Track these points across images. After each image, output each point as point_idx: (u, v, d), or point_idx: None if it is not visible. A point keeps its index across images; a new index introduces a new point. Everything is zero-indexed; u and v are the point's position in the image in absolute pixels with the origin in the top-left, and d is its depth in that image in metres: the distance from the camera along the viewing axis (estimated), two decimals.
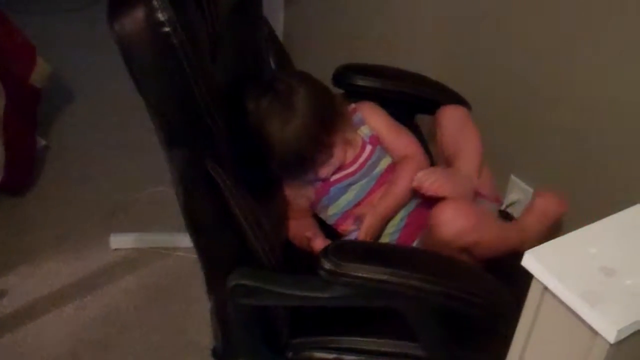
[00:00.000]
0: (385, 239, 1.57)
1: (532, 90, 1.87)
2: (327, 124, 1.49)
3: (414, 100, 1.79)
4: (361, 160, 1.59)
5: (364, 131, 1.62)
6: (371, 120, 1.64)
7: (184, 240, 2.23)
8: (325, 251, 1.20)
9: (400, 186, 1.54)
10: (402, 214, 1.56)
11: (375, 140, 1.62)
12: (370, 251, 1.28)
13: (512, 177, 2.00)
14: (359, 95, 1.74)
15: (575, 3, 1.69)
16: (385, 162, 1.61)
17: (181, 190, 1.27)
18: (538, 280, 0.93)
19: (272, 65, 1.73)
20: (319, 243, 1.50)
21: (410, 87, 1.79)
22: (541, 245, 0.95)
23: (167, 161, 1.27)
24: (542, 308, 0.96)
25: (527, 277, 0.95)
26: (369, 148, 1.60)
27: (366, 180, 1.58)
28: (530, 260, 0.93)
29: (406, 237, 1.56)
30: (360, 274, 1.17)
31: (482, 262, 1.44)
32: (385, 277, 1.18)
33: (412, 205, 1.57)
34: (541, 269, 0.92)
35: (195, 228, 1.31)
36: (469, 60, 2.07)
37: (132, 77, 1.15)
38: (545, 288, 0.93)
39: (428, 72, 1.83)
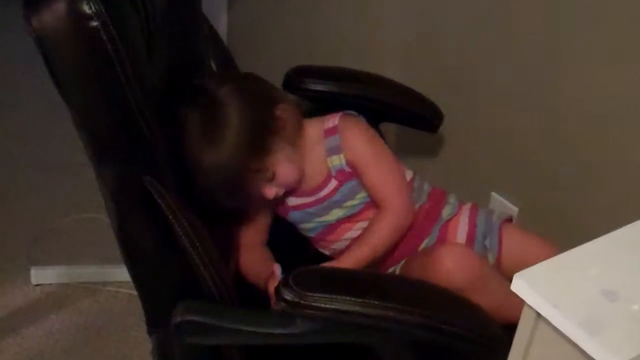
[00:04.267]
0: None
1: (515, 98, 1.86)
2: (258, 148, 1.46)
3: (377, 107, 1.78)
4: (321, 195, 1.57)
5: (334, 162, 1.56)
6: (351, 150, 1.57)
7: (117, 273, 2.21)
8: (286, 279, 1.18)
9: (378, 241, 1.52)
10: None
11: (345, 177, 1.57)
12: (338, 279, 1.27)
13: (494, 194, 1.99)
14: (313, 101, 1.74)
15: (565, 7, 1.69)
16: (351, 204, 1.58)
17: (114, 211, 1.25)
18: (530, 307, 0.92)
19: (214, 67, 1.71)
20: (271, 285, 1.46)
21: (373, 92, 1.79)
22: (533, 267, 0.93)
23: (97, 178, 1.24)
24: (536, 338, 0.94)
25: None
26: (333, 183, 1.56)
27: (325, 217, 1.59)
28: (520, 284, 0.91)
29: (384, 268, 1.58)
30: (326, 305, 1.16)
31: None
32: (356, 308, 1.16)
33: None
34: (534, 294, 0.90)
35: (132, 256, 1.29)
36: (443, 64, 2.06)
37: (54, 80, 1.13)
38: (539, 315, 0.91)
39: (395, 78, 1.82)
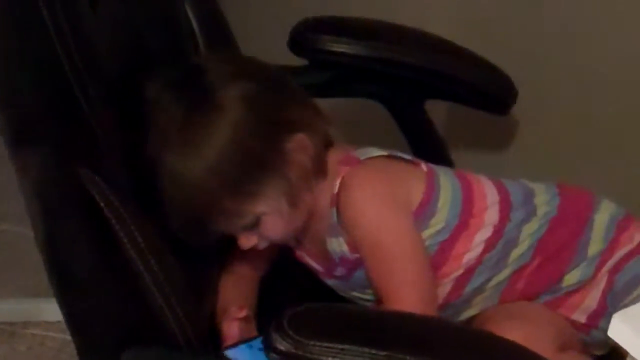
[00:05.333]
0: None
1: (622, 77, 1.88)
2: (239, 187, 1.45)
3: (426, 78, 1.80)
4: (335, 274, 1.59)
5: (334, 246, 1.55)
6: (350, 231, 1.53)
7: (45, 310, 2.21)
8: (279, 321, 1.16)
9: None
10: None
11: (352, 264, 1.55)
12: (352, 322, 1.25)
13: None
14: (331, 67, 1.75)
15: None
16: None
17: (39, 218, 1.27)
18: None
19: (195, 26, 1.71)
20: (227, 324, 1.50)
21: (416, 56, 1.80)
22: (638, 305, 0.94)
23: (16, 173, 1.26)
24: None
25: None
26: (340, 270, 1.58)
27: (348, 295, 1.61)
28: (621, 329, 0.91)
29: None
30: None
31: None
32: None
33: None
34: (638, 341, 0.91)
35: (62, 284, 1.31)
36: (516, 21, 2.07)
37: None
38: None
39: (447, 36, 1.83)
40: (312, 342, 1.14)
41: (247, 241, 1.50)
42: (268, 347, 1.17)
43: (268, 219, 1.47)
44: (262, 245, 1.52)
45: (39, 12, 1.12)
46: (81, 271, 1.30)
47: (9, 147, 1.23)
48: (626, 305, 1.39)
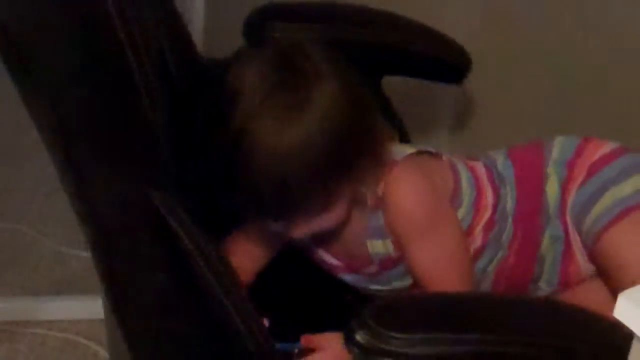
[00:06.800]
0: None
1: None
2: (342, 164, 1.45)
3: (377, 55, 1.86)
4: (361, 272, 1.65)
5: (377, 248, 1.60)
6: (394, 228, 1.57)
7: (46, 309, 2.21)
8: (362, 316, 1.18)
9: None
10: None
11: (392, 263, 1.61)
12: (437, 308, 1.28)
13: None
14: None
15: None
16: (401, 284, 1.66)
17: (102, 250, 1.31)
18: None
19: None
20: None
21: (370, 34, 1.87)
22: None
23: (75, 203, 1.30)
24: None
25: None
26: (374, 267, 1.63)
27: (370, 287, 1.68)
28: (625, 307, 0.89)
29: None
30: (429, 350, 1.16)
31: None
32: (481, 347, 1.18)
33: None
34: None
35: (126, 310, 1.37)
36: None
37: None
38: None
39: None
40: (397, 334, 1.16)
41: (301, 231, 1.51)
42: (347, 341, 1.18)
43: (337, 209, 1.50)
44: (309, 234, 1.54)
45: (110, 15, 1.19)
46: (148, 295, 1.36)
47: (55, 162, 1.27)
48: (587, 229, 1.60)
